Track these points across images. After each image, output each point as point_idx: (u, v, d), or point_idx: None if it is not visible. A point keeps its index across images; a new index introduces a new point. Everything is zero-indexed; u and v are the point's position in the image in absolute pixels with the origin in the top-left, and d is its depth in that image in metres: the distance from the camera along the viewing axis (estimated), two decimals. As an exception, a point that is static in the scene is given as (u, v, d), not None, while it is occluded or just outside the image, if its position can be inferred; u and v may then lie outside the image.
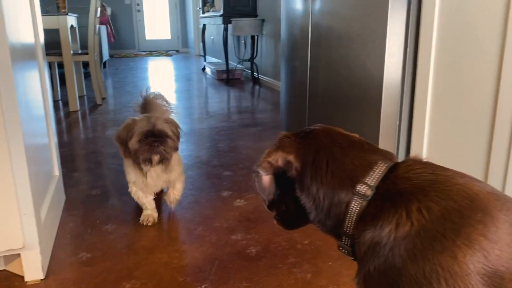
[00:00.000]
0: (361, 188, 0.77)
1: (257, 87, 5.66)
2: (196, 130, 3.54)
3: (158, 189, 1.94)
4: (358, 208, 0.77)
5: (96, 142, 3.20)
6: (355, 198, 0.78)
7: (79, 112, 4.18)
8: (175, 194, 2.00)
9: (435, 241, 0.66)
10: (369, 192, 0.77)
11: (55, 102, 4.59)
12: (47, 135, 1.92)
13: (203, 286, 1.45)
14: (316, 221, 0.85)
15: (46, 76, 1.96)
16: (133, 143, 1.70)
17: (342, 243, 0.83)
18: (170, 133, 1.74)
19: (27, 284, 1.48)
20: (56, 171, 2.05)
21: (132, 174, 1.85)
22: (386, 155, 0.84)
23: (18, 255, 1.48)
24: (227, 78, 6.06)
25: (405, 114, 1.88)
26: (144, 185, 1.85)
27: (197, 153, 2.91)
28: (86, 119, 3.93)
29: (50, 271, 1.55)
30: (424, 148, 1.80)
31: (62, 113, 4.15)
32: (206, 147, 3.07)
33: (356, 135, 0.93)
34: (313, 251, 1.66)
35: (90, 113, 4.16)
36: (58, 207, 1.98)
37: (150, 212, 1.92)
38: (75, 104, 4.24)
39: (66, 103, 4.51)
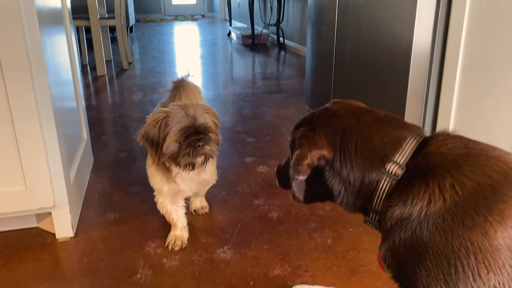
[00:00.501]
0: (391, 167, 0.76)
1: (282, 52, 5.58)
2: (221, 96, 3.54)
3: (190, 194, 1.60)
4: (387, 186, 0.77)
5: (123, 106, 3.25)
6: (385, 178, 0.77)
7: (106, 77, 4.24)
8: (202, 201, 1.74)
9: (466, 217, 0.65)
10: (399, 171, 0.76)
11: (83, 67, 4.65)
12: (75, 99, 1.96)
13: (225, 247, 1.49)
14: (343, 202, 0.84)
15: (73, 40, 1.98)
16: (169, 145, 1.30)
17: (369, 218, 0.82)
18: (212, 126, 1.38)
19: (58, 241, 1.55)
20: (85, 134, 2.11)
21: (158, 180, 1.46)
22: (415, 130, 0.82)
23: (49, 213, 1.55)
24: (252, 43, 5.99)
25: (434, 82, 1.83)
26: (174, 194, 1.50)
27: (221, 118, 2.92)
28: (113, 84, 3.98)
29: (79, 230, 1.62)
30: (452, 118, 1.76)
31: (89, 78, 4.22)
32: (230, 113, 3.08)
33: (381, 111, 0.90)
34: (334, 218, 1.67)
35: (117, 78, 4.20)
36: (87, 169, 2.05)
37: (179, 233, 1.52)
38: (102, 69, 4.29)
39: (93, 68, 4.57)
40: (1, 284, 1.33)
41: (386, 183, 0.77)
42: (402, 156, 0.77)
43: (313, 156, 0.82)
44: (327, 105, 0.91)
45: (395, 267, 0.75)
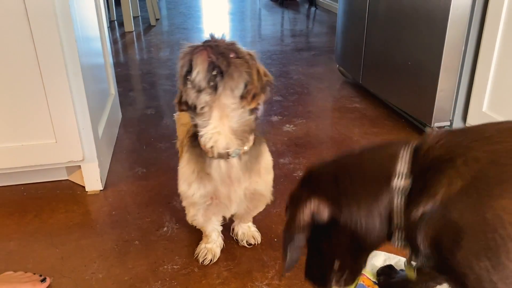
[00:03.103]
0: (398, 181, 0.73)
1: (313, 9, 5.40)
2: (248, 53, 3.48)
3: (233, 209, 1.14)
4: (402, 200, 0.72)
5: (150, 63, 3.24)
6: (395, 194, 0.72)
7: (133, 33, 4.22)
8: (251, 228, 1.34)
9: (491, 187, 0.62)
10: (408, 182, 0.72)
11: (111, 23, 4.63)
12: (102, 55, 1.96)
13: (250, 205, 1.50)
14: (373, 243, 0.77)
15: (99, -7, 1.96)
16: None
17: (396, 239, 0.76)
18: (244, 51, 0.95)
19: (88, 193, 1.60)
20: (113, 89, 2.12)
21: (188, 175, 1.08)
22: (403, 142, 0.78)
23: (79, 167, 1.58)
24: (282, -1, 5.81)
25: (472, 41, 1.74)
26: (209, 198, 1.09)
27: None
28: (140, 40, 3.96)
29: (108, 183, 1.65)
30: (490, 81, 1.68)
31: (117, 34, 4.21)
32: (257, 71, 3.03)
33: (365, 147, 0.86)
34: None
35: (145, 34, 4.18)
36: (115, 124, 2.07)
37: (211, 246, 1.27)
38: (130, 25, 4.27)
39: (121, 24, 4.55)
40: (34, 233, 1.39)
41: (399, 199, 0.72)
42: (403, 165, 0.73)
43: (305, 215, 0.78)
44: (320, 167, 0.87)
45: (434, 259, 0.71)
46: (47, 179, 1.66)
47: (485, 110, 1.71)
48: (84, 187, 1.61)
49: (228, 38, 0.95)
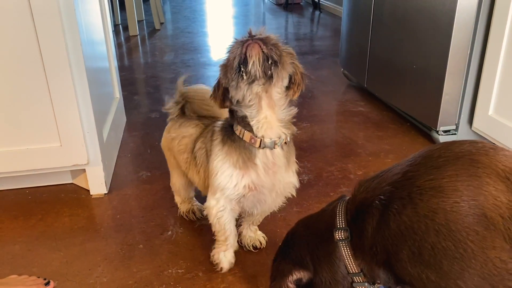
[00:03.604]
0: (338, 233, 0.88)
1: (317, 12, 5.41)
2: (253, 57, 3.48)
3: (270, 200, 1.14)
4: (348, 251, 0.87)
5: (154, 67, 3.25)
6: (341, 247, 0.87)
7: (138, 37, 4.23)
8: (257, 232, 1.35)
9: (400, 207, 0.76)
10: (346, 233, 0.87)
11: (115, 27, 4.65)
12: (107, 59, 1.96)
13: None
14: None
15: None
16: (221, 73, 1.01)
17: (357, 284, 0.89)
18: (281, 44, 0.96)
19: (92, 197, 1.59)
20: (117, 93, 2.12)
21: (227, 166, 1.07)
22: (340, 197, 0.95)
23: (84, 170, 1.58)
24: (286, 2, 5.81)
25: (478, 43, 1.73)
26: (253, 197, 1.10)
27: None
28: (145, 44, 3.98)
29: (112, 187, 1.65)
30: (496, 84, 1.67)
31: (122, 37, 4.22)
32: (262, 75, 3.03)
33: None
34: (366, 182, 1.64)
35: (149, 38, 4.19)
36: (120, 128, 2.08)
37: (230, 254, 1.23)
38: (134, 29, 4.28)
39: (125, 28, 4.57)
40: (39, 236, 1.39)
41: (345, 249, 0.87)
42: (341, 219, 0.89)
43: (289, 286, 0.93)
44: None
45: (393, 278, 0.83)
46: (51, 182, 1.67)
47: (491, 113, 1.70)
48: (88, 190, 1.61)
49: (264, 30, 0.97)
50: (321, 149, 1.91)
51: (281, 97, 1.00)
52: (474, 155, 0.73)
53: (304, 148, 1.92)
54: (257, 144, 1.02)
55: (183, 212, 1.46)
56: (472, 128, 1.82)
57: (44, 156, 1.49)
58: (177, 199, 1.48)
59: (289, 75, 0.98)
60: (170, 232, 1.39)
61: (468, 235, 0.67)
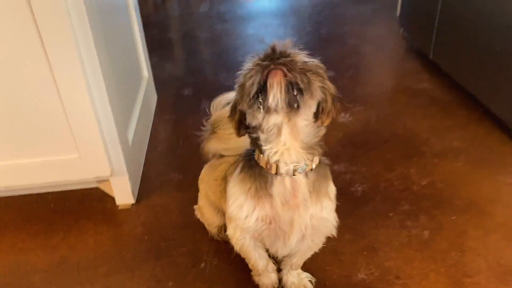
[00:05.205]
0: None
1: None
2: (295, 8, 3.11)
3: (292, 240, 0.95)
4: None
5: (188, 22, 2.96)
6: None
7: (171, -19, 3.88)
8: (301, 275, 1.15)
9: None
10: None
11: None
12: (131, 30, 1.73)
13: (300, 233, 1.29)
14: None
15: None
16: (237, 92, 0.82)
17: None
18: (310, 63, 0.77)
19: (119, 208, 1.44)
20: (145, 71, 1.89)
21: (239, 194, 0.93)
22: None
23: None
24: None
25: None
26: (266, 222, 0.92)
27: (296, 41, 2.55)
28: (178, -9, 3.64)
29: (141, 194, 1.48)
30: None
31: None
32: (306, 33, 2.70)
33: None
34: (432, 197, 1.39)
35: (183, -17, 3.83)
36: (149, 111, 1.87)
37: (265, 279, 1.13)
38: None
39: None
40: (61, 263, 1.26)
41: None
42: None
43: None
44: None
45: None
46: (76, 187, 1.51)
47: None
48: (114, 198, 1.45)
49: (291, 45, 0.77)
50: (378, 146, 1.64)
51: (308, 124, 0.81)
52: None
53: (357, 144, 1.66)
54: (273, 170, 0.85)
55: (214, 233, 1.28)
56: None
57: (62, 168, 1.33)
58: (206, 222, 1.29)
59: (318, 101, 0.80)
60: (203, 264, 1.22)
61: None
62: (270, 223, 0.91)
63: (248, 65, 0.77)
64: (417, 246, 1.23)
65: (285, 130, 0.81)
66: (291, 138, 0.82)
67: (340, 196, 1.42)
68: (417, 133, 1.70)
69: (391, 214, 1.34)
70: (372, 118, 1.81)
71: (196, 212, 1.30)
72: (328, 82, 0.82)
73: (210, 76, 2.23)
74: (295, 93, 0.74)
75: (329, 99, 0.82)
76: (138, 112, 1.62)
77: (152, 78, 1.97)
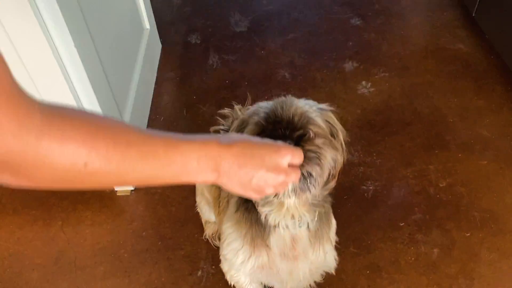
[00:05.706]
0: None
1: None
2: None
3: (291, 286, 0.92)
4: None
5: None
6: None
7: None
8: None
9: None
10: None
11: None
12: None
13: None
14: None
15: None
16: None
17: None
18: (319, 122, 0.70)
19: (117, 194, 1.38)
20: (146, 23, 1.69)
21: (237, 240, 0.86)
22: None
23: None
24: None
25: None
26: (266, 276, 0.91)
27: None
28: None
29: (140, 178, 1.42)
30: None
31: None
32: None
33: None
34: (448, 204, 1.29)
35: None
36: (153, 67, 1.72)
37: None
38: None
39: None
40: (59, 257, 1.25)
41: None
42: None
43: None
44: None
45: None
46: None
47: None
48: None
49: (296, 105, 0.69)
50: (397, 130, 1.49)
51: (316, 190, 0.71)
52: None
53: (375, 125, 1.51)
54: (272, 222, 0.77)
55: (208, 236, 1.24)
56: None
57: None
58: (203, 219, 1.24)
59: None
60: (200, 273, 1.20)
61: None
62: (272, 274, 0.88)
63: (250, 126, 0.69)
64: (424, 268, 1.17)
65: (291, 200, 0.73)
66: (297, 204, 0.74)
67: (349, 196, 1.35)
68: (443, 114, 1.53)
69: (402, 224, 1.26)
70: (397, 89, 1.62)
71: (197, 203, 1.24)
72: (340, 150, 0.73)
73: (221, 19, 2.00)
74: (308, 181, 0.66)
75: (338, 167, 0.73)
76: (135, 88, 1.47)
77: (155, 27, 1.77)
